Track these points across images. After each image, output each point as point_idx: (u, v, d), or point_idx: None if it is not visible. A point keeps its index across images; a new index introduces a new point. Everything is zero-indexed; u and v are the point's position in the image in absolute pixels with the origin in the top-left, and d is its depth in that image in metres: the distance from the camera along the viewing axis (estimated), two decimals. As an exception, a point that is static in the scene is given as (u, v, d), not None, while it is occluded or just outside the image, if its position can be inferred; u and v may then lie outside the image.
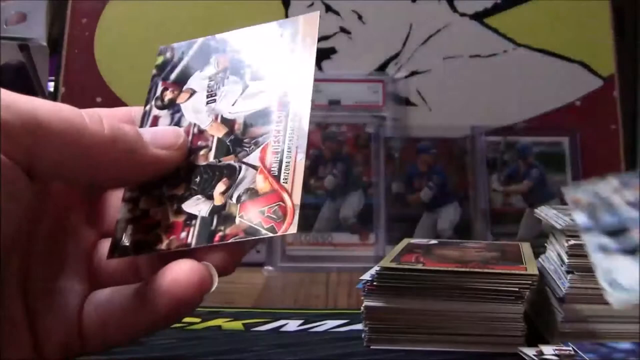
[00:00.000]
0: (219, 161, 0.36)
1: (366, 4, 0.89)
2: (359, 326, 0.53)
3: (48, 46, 0.89)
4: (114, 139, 0.33)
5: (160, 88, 0.41)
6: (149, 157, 0.34)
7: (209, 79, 0.40)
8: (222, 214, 0.34)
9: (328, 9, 0.89)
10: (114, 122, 0.33)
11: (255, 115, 0.37)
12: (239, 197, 0.35)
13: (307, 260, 0.80)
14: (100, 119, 0.33)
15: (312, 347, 0.52)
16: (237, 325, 0.57)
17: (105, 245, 0.37)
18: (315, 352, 0.51)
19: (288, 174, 0.34)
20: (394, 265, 0.51)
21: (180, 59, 0.42)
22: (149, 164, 0.34)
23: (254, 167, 0.35)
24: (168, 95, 0.41)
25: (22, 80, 0.88)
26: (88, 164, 0.32)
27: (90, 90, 0.87)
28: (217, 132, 0.37)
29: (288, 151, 0.35)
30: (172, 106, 0.40)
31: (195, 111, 0.39)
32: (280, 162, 0.35)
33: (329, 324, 0.57)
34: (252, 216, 0.34)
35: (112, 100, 0.87)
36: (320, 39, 0.88)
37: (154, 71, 0.43)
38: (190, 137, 0.38)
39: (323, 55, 0.88)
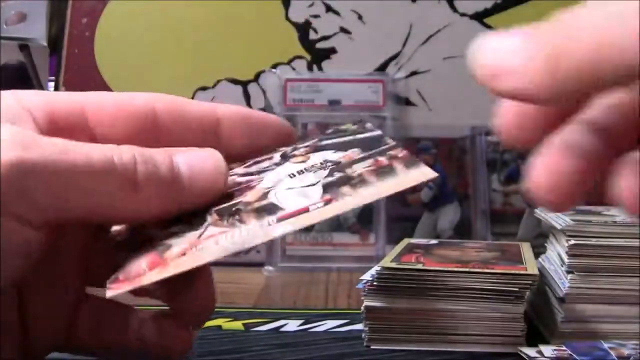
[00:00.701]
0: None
1: (366, 4, 0.89)
2: (359, 326, 0.53)
3: (48, 46, 0.89)
4: (147, 184, 0.31)
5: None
6: (185, 202, 0.32)
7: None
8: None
9: (328, 9, 0.89)
10: (149, 164, 0.31)
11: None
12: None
13: (307, 260, 0.80)
14: (133, 161, 0.30)
15: (312, 347, 0.52)
16: (237, 325, 0.57)
17: (98, 245, 0.36)
18: (315, 352, 0.51)
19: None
20: (394, 265, 0.51)
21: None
22: (185, 208, 0.32)
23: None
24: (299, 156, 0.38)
25: (22, 80, 0.88)
26: (119, 210, 0.31)
27: (90, 90, 0.87)
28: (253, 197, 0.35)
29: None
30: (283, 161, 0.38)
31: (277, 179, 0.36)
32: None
33: (329, 324, 0.57)
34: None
35: (112, 100, 0.87)
36: (320, 39, 0.88)
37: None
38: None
39: (323, 55, 0.88)
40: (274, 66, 0.87)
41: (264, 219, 0.32)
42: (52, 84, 0.89)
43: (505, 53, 0.25)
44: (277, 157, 0.38)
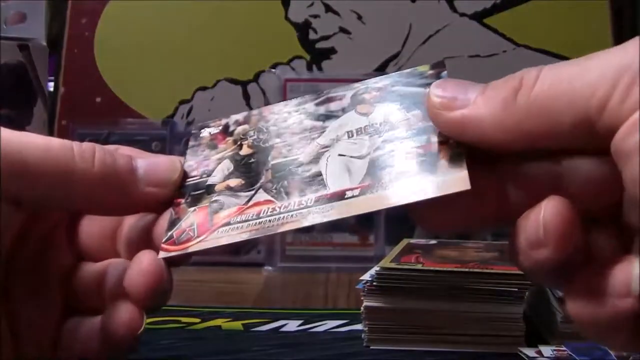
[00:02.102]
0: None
1: (366, 4, 0.89)
2: (359, 326, 0.53)
3: (48, 46, 0.89)
4: (103, 176, 0.33)
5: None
6: (138, 195, 0.34)
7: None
8: None
9: (328, 9, 0.89)
10: (107, 157, 0.33)
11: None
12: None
13: (307, 260, 0.80)
14: (92, 155, 0.33)
15: (312, 347, 0.52)
16: (237, 325, 0.57)
17: (82, 268, 0.37)
18: (315, 352, 0.51)
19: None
20: (394, 265, 0.51)
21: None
22: (139, 202, 0.34)
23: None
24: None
25: (22, 80, 0.88)
26: (75, 200, 0.33)
27: (90, 90, 0.87)
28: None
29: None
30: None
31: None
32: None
33: (329, 324, 0.57)
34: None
35: (112, 100, 0.87)
36: (319, 39, 0.88)
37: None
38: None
39: (323, 55, 0.88)
40: (274, 66, 0.87)
41: (305, 195, 0.33)
42: (52, 84, 0.89)
43: (463, 92, 0.31)
44: (348, 96, 0.37)
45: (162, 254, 0.33)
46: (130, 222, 0.36)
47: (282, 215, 0.33)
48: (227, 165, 0.37)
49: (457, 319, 0.50)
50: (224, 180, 0.36)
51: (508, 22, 0.88)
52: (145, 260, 0.33)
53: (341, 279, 0.74)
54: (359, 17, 0.89)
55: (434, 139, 0.32)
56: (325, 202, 0.32)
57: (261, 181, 0.35)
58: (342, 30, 0.89)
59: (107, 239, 0.37)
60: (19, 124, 0.85)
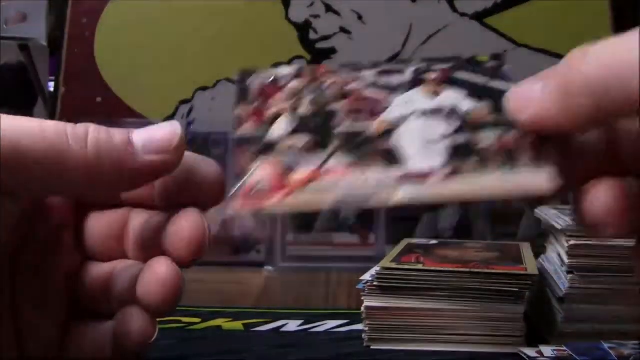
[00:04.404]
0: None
1: (366, 4, 0.89)
2: (359, 326, 0.53)
3: (48, 46, 0.89)
4: (98, 155, 0.31)
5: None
6: (139, 167, 0.32)
7: None
8: None
9: (328, 9, 0.89)
10: (101, 135, 0.32)
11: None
12: None
13: (307, 260, 0.80)
14: (85, 135, 0.31)
15: (312, 347, 0.52)
16: (237, 325, 0.57)
17: (88, 269, 0.36)
18: (315, 352, 0.51)
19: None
20: (394, 265, 0.51)
21: None
22: (141, 174, 0.33)
23: None
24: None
25: (22, 80, 0.88)
26: (73, 184, 0.32)
27: (90, 90, 0.87)
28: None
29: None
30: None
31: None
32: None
33: (329, 324, 0.57)
34: None
35: (112, 100, 0.87)
36: (320, 39, 0.88)
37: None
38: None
39: (323, 55, 0.88)
40: (274, 66, 0.87)
41: (384, 172, 0.31)
42: (52, 84, 0.89)
43: (527, 91, 0.30)
44: (408, 72, 0.35)
45: (230, 211, 0.31)
46: (139, 222, 0.35)
47: (367, 191, 0.31)
48: (287, 122, 0.34)
49: (457, 319, 0.50)
50: (286, 138, 0.33)
51: (508, 22, 0.88)
52: (161, 268, 0.32)
53: (341, 279, 0.74)
54: (360, 17, 0.89)
55: (513, 134, 0.31)
56: (411, 183, 0.31)
57: (332, 146, 0.32)
58: (343, 30, 0.89)
59: (113, 239, 0.36)
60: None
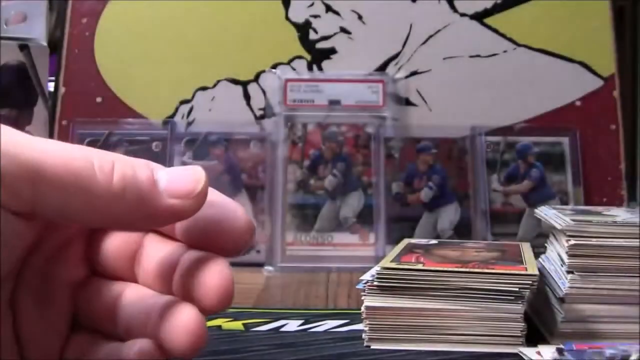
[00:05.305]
0: None
1: (366, 4, 0.89)
2: (359, 326, 0.53)
3: (48, 46, 0.89)
4: (124, 189, 0.31)
5: None
6: (161, 208, 0.32)
7: None
8: None
9: (328, 9, 0.89)
10: (127, 170, 0.31)
11: None
12: None
13: (307, 260, 0.80)
14: (112, 167, 0.31)
15: (312, 347, 0.52)
16: (237, 325, 0.57)
17: (95, 284, 0.36)
18: (315, 352, 0.51)
19: None
20: (394, 265, 0.51)
21: None
22: (161, 215, 0.32)
23: None
24: None
25: (22, 80, 0.88)
26: (94, 214, 0.31)
27: (90, 90, 0.87)
28: None
29: None
30: None
31: None
32: None
33: (329, 324, 0.57)
34: None
35: (112, 100, 0.87)
36: (320, 39, 0.88)
37: None
38: None
39: (323, 55, 0.88)
40: (274, 66, 0.88)
41: None
42: (52, 84, 0.89)
43: None
44: None
45: None
46: (156, 251, 0.35)
47: None
48: None
49: (457, 319, 0.50)
50: None
51: (508, 22, 0.88)
52: (189, 317, 0.32)
53: (341, 278, 0.74)
54: (360, 17, 0.89)
55: None
56: None
57: None
58: (343, 30, 0.89)
59: (125, 260, 0.35)
60: (19, 124, 0.85)
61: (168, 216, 0.32)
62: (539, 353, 0.48)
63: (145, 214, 0.32)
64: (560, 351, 0.47)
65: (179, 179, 0.33)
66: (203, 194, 0.33)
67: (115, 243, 0.36)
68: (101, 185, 0.30)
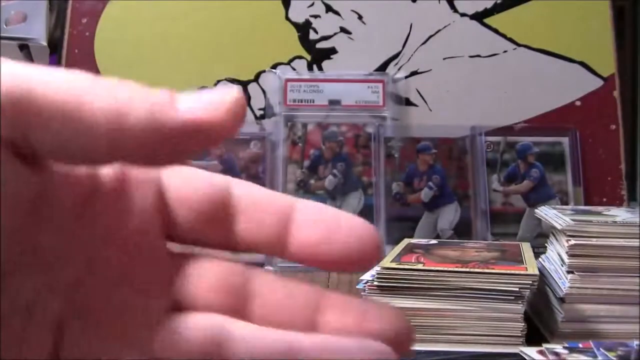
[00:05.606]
0: None
1: (366, 4, 0.89)
2: (359, 326, 0.53)
3: (48, 46, 0.89)
4: (129, 104, 0.24)
5: None
6: (180, 123, 0.24)
7: None
8: None
9: (328, 9, 0.89)
10: (135, 85, 0.24)
11: None
12: None
13: (307, 260, 0.80)
14: (115, 84, 0.25)
15: (312, 347, 0.52)
16: (237, 325, 0.57)
17: (174, 321, 0.25)
18: (316, 352, 0.51)
19: None
20: (394, 265, 0.51)
21: None
22: (182, 134, 0.24)
23: None
24: None
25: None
26: (91, 141, 0.22)
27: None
28: None
29: None
30: None
31: None
32: None
33: (329, 324, 0.57)
34: None
35: (112, 100, 0.87)
36: (320, 39, 0.88)
37: None
38: None
39: (323, 55, 0.88)
40: (274, 66, 0.88)
41: None
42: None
43: None
44: None
45: None
46: (270, 296, 0.24)
47: None
48: None
49: (457, 319, 0.50)
50: None
51: (508, 22, 0.88)
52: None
53: (342, 278, 0.74)
54: (360, 17, 0.89)
55: None
56: None
57: None
58: (343, 30, 0.89)
59: (219, 292, 0.25)
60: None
61: (191, 136, 0.25)
62: (539, 353, 0.48)
63: (159, 133, 0.24)
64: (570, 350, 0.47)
65: (204, 95, 0.25)
66: (236, 108, 0.24)
67: (210, 271, 0.26)
68: (100, 100, 0.24)
